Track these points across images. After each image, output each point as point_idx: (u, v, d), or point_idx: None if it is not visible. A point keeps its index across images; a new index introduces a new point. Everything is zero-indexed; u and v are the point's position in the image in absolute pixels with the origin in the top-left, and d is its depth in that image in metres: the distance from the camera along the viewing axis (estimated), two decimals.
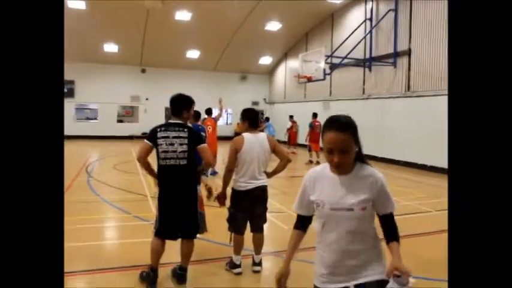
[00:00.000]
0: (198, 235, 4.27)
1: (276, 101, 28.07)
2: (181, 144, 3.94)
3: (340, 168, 2.05)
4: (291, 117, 20.14)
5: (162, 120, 24.74)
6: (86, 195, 8.69)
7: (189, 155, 3.99)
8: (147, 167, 4.22)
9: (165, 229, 4.08)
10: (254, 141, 4.33)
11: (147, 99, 25.89)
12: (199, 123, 9.78)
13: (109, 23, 20.76)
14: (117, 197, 8.55)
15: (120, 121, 26.67)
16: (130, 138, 24.47)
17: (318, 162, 14.76)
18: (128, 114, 27.78)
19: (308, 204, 2.22)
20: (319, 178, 2.18)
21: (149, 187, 9.01)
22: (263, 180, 4.41)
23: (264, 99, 29.04)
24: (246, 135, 4.35)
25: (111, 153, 17.48)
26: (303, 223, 2.31)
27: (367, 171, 2.09)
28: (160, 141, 3.97)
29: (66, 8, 19.09)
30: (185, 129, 4.02)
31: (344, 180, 2.08)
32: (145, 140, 4.09)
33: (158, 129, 4.03)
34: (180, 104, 4.15)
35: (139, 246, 5.13)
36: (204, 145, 4.09)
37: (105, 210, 7.67)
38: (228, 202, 4.53)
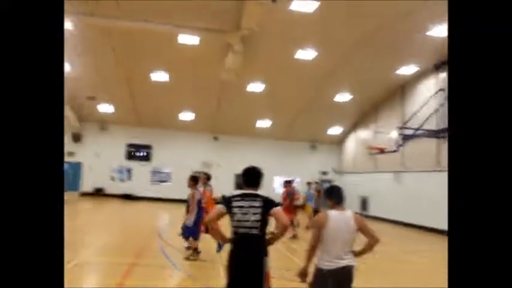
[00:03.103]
0: None
1: (346, 172, 27.69)
2: (254, 214, 4.00)
3: None
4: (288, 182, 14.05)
5: (231, 186, 25.31)
6: (157, 258, 8.88)
7: (261, 225, 4.02)
8: (216, 230, 4.30)
9: None
10: (339, 220, 4.18)
11: (219, 165, 26.63)
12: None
13: (187, 93, 22.31)
14: (187, 262, 8.63)
15: None
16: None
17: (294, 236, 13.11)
18: None
19: None
20: None
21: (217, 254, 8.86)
22: (349, 260, 4.16)
23: (333, 169, 28.75)
24: (331, 213, 4.22)
25: (182, 217, 17.85)
26: None
27: None
28: (235, 210, 4.05)
29: (150, 80, 20.81)
30: (259, 199, 4.08)
31: None
32: (219, 205, 4.19)
33: (233, 199, 4.12)
34: (257, 177, 4.28)
35: None
36: (277, 208, 4.06)
37: (175, 276, 7.75)
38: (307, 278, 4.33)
